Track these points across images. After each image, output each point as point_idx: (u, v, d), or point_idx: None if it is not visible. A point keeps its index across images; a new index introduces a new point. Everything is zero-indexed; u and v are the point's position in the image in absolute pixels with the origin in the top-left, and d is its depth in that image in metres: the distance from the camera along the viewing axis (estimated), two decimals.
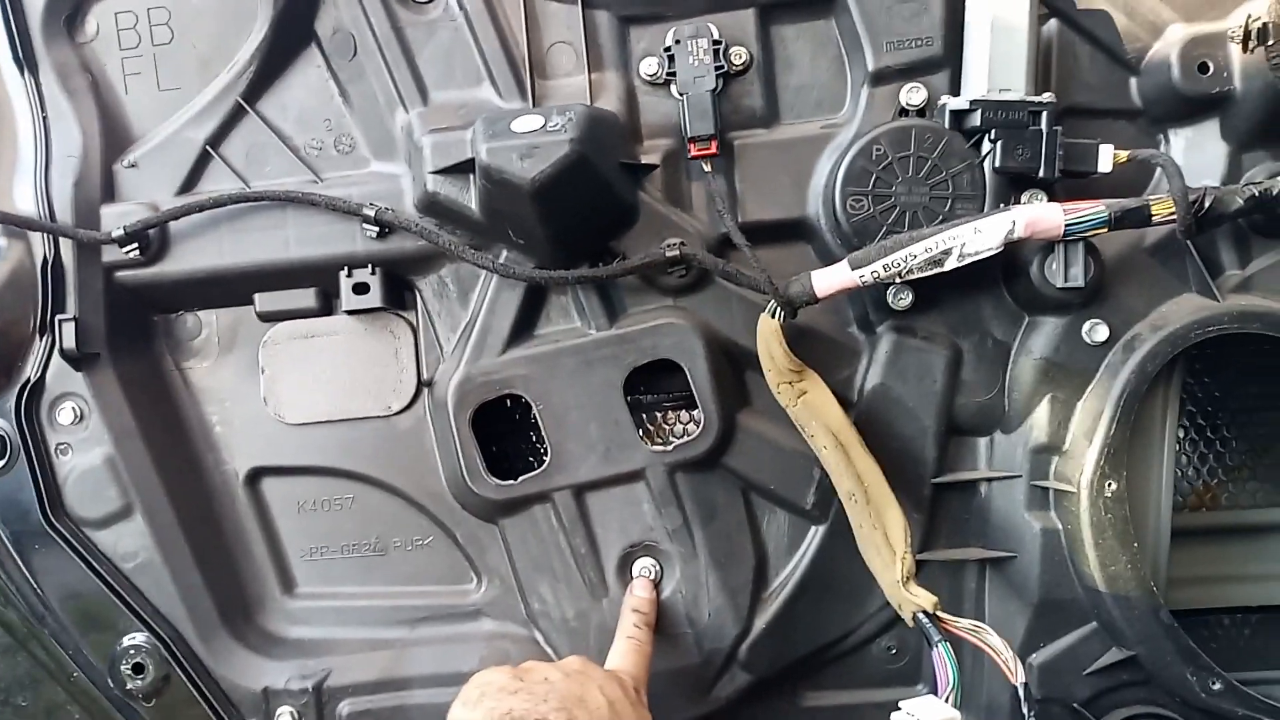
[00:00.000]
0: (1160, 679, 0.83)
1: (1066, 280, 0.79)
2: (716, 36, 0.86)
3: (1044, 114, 0.79)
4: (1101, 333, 0.84)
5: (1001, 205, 0.81)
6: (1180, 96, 0.84)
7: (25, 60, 0.89)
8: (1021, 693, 0.70)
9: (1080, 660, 0.84)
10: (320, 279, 0.90)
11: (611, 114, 0.86)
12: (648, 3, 0.87)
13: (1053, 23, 0.86)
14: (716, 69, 0.85)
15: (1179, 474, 0.98)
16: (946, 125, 0.82)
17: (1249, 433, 0.99)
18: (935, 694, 0.70)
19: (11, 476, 0.87)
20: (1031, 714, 0.71)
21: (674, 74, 0.86)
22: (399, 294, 0.91)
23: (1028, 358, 0.86)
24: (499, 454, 0.92)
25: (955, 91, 0.84)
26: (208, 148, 0.90)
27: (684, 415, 0.95)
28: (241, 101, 0.90)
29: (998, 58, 0.81)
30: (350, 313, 0.89)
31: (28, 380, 0.87)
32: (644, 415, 0.93)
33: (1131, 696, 0.85)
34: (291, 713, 0.88)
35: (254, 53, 0.89)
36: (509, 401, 0.88)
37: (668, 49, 0.87)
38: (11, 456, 0.87)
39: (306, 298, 0.91)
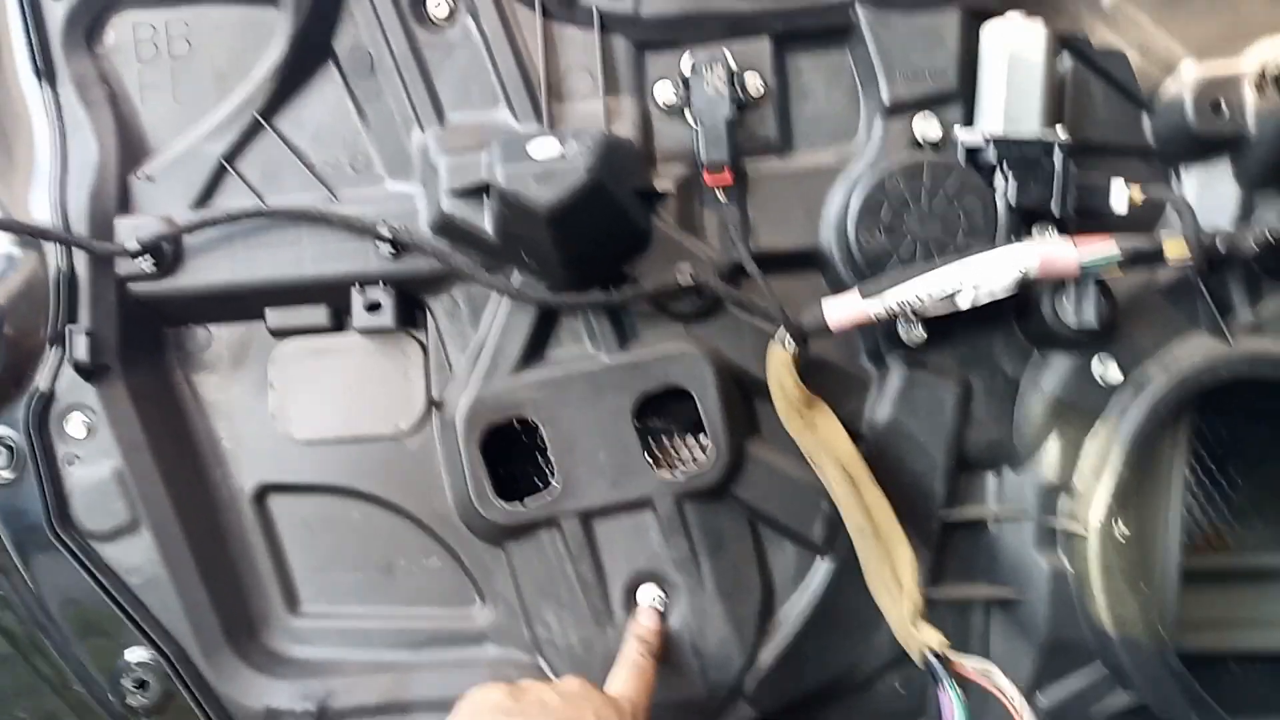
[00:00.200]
0: None
1: (1080, 321, 0.79)
2: (733, 65, 0.87)
3: (1059, 151, 0.79)
4: (1113, 373, 0.84)
5: (1012, 238, 0.81)
6: (1193, 136, 0.85)
7: (45, 71, 0.89)
8: None
9: (1088, 703, 0.83)
10: (332, 296, 0.90)
11: (628, 141, 0.86)
12: (664, 29, 0.88)
13: (1066, 58, 0.87)
14: (732, 98, 0.86)
15: (1186, 515, 0.98)
16: (961, 159, 0.82)
17: (1257, 475, 0.99)
18: None
19: (20, 486, 0.87)
20: None
21: (690, 101, 0.86)
22: (410, 313, 0.91)
23: (1037, 394, 0.86)
24: (505, 475, 0.92)
25: (969, 123, 0.85)
26: (224, 162, 0.90)
27: (690, 440, 0.94)
28: (259, 117, 0.90)
29: (1014, 93, 0.81)
30: (361, 331, 0.90)
31: (38, 390, 0.87)
32: (651, 439, 0.94)
33: None
34: None
35: (272, 68, 0.90)
36: (516, 423, 0.88)
37: (684, 76, 0.87)
38: (21, 466, 0.87)
39: (318, 314, 0.91)
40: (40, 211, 0.88)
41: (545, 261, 0.85)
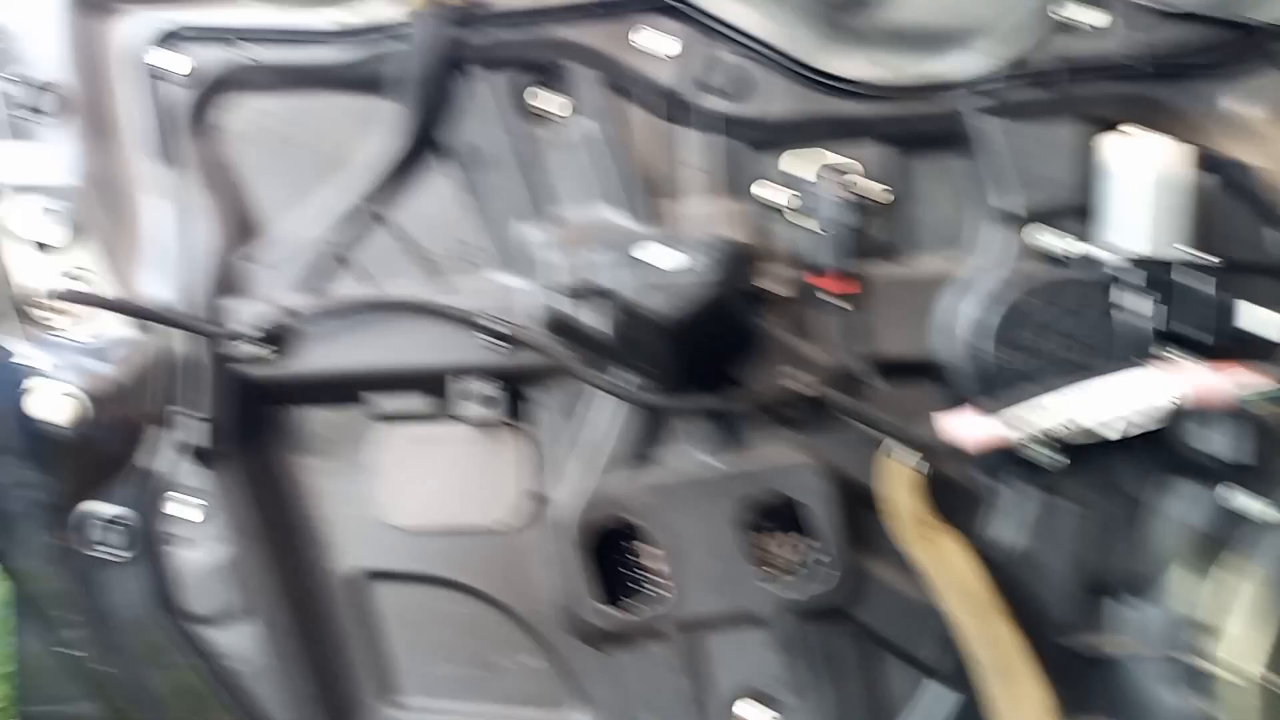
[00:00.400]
0: None
1: (1232, 454, 0.74)
2: (860, 170, 0.85)
3: (1211, 277, 0.75)
4: (1268, 511, 0.79)
5: (1149, 363, 0.77)
6: None
7: (169, 153, 0.91)
8: None
9: None
10: (437, 385, 0.90)
11: (748, 246, 0.85)
12: (783, 132, 0.87)
13: (1203, 176, 0.83)
14: (856, 203, 0.84)
15: None
16: (1101, 279, 0.79)
17: None
18: None
19: (135, 567, 0.88)
20: None
21: (814, 206, 0.85)
22: (514, 405, 0.91)
23: (1176, 525, 0.81)
24: (607, 573, 0.91)
25: (1086, 238, 0.81)
26: (335, 249, 0.91)
27: (782, 536, 0.91)
28: (370, 206, 0.91)
29: (1161, 213, 0.77)
30: (468, 421, 0.89)
31: (155, 473, 0.88)
32: (750, 540, 0.91)
33: None
34: None
35: (387, 159, 0.90)
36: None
37: (802, 178, 0.85)
38: (137, 547, 0.88)
39: (422, 402, 0.91)
40: (150, 291, 0.89)
41: (657, 364, 0.83)
